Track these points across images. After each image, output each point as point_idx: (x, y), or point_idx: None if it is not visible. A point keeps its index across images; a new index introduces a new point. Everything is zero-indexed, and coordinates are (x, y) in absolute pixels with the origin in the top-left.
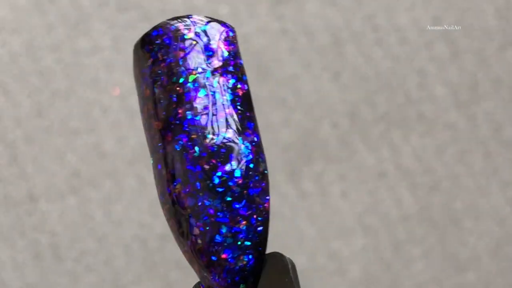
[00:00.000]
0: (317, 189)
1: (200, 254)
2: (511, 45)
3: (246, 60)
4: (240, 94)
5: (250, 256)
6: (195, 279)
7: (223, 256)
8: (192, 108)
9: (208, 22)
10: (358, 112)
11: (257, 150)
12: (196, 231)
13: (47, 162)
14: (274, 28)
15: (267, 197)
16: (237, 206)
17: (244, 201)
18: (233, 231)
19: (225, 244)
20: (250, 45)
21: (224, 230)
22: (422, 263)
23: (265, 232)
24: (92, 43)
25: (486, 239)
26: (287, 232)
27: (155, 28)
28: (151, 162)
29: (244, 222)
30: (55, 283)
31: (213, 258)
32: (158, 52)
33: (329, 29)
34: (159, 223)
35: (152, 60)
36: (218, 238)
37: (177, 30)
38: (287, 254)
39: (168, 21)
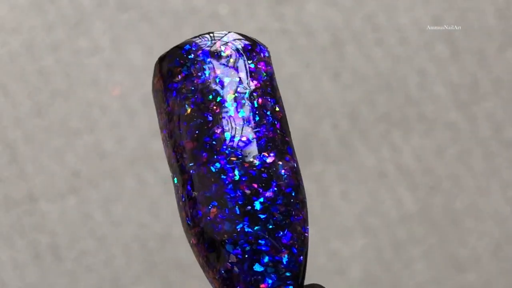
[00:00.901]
0: (317, 189)
1: (236, 282)
2: (511, 45)
3: None
4: (279, 118)
5: (291, 287)
6: (195, 279)
7: (262, 286)
8: (231, 128)
9: (245, 40)
10: (358, 112)
11: (296, 177)
12: (233, 258)
13: (47, 162)
14: (274, 28)
15: (307, 227)
16: (279, 234)
17: (286, 229)
18: (274, 260)
19: (266, 273)
20: None
21: (265, 259)
22: (422, 263)
23: (305, 263)
24: (92, 43)
25: (486, 239)
26: None
27: (187, 42)
28: (175, 181)
29: (286, 252)
30: (55, 283)
31: (251, 287)
32: (191, 67)
33: (329, 29)
34: (159, 223)
35: (184, 75)
36: (258, 267)
37: (214, 46)
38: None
39: (203, 36)
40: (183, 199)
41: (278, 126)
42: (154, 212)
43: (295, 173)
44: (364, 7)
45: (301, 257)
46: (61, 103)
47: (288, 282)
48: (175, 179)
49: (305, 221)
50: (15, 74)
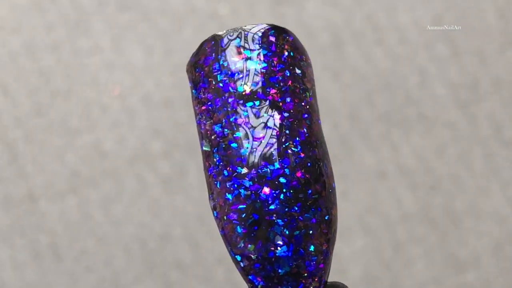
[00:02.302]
0: None
1: (276, 263)
2: (511, 45)
3: None
4: (320, 122)
5: (324, 280)
6: (195, 279)
7: (304, 272)
8: (289, 118)
9: (299, 43)
10: (358, 112)
11: (333, 180)
12: (279, 239)
13: (47, 162)
14: None
15: (336, 226)
16: (323, 226)
17: (329, 223)
18: (318, 250)
19: (309, 260)
20: None
21: (311, 247)
22: (422, 263)
23: (331, 258)
24: (92, 43)
25: (486, 239)
26: None
27: (249, 27)
28: (215, 157)
29: (325, 245)
30: (55, 283)
31: (291, 271)
32: (254, 51)
33: (329, 29)
34: (159, 223)
35: (245, 57)
36: (302, 252)
37: (279, 38)
38: None
39: (268, 25)
40: (226, 174)
41: (321, 128)
42: (154, 212)
43: (332, 175)
44: (364, 7)
45: (331, 255)
46: (61, 103)
47: (323, 273)
48: (216, 154)
49: (337, 220)
50: (15, 74)
